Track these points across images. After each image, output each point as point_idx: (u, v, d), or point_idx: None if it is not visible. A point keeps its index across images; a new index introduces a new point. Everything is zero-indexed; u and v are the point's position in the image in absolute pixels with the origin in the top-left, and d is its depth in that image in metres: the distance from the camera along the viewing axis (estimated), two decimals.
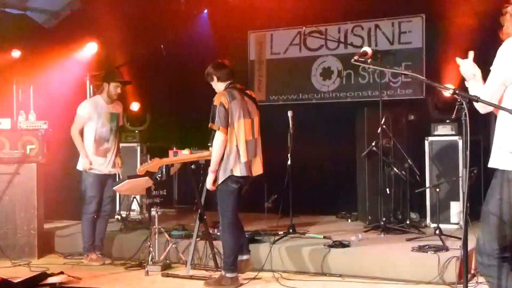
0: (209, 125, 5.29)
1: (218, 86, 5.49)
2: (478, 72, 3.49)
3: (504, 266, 3.37)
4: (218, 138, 5.23)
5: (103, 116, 6.53)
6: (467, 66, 3.51)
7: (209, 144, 5.61)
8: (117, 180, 6.75)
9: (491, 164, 3.50)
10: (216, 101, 5.29)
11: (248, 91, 5.60)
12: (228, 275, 5.34)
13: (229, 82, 5.46)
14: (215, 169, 5.28)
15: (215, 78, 5.47)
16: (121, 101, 7.03)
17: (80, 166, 6.54)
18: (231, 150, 5.26)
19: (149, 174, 6.21)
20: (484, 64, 3.58)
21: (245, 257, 5.58)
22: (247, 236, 5.94)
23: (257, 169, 5.44)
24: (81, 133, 6.54)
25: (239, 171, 5.26)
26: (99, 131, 6.51)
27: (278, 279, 5.65)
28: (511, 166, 3.37)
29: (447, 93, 3.63)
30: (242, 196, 5.49)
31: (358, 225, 7.53)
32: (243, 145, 5.30)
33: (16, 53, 8.12)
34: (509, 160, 3.39)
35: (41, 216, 7.01)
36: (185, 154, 5.98)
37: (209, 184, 5.33)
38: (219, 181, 5.28)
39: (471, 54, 3.56)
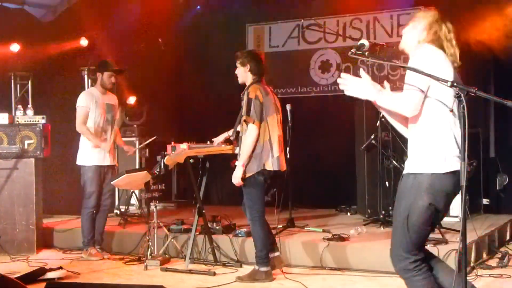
0: (244, 118, 5.18)
1: (247, 75, 5.39)
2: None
3: (424, 266, 3.30)
4: (252, 131, 5.15)
5: (99, 107, 6.51)
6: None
7: (231, 137, 5.55)
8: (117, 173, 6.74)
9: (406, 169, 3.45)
10: (252, 93, 5.20)
11: (270, 88, 5.53)
12: (262, 269, 5.28)
13: (256, 76, 5.38)
14: (246, 163, 5.18)
15: (248, 67, 5.37)
16: (118, 94, 7.00)
17: (80, 161, 6.51)
18: (265, 145, 5.20)
19: (148, 168, 6.20)
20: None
21: (276, 254, 5.52)
22: (246, 230, 5.94)
23: (284, 164, 5.39)
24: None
25: (271, 165, 5.21)
26: (97, 122, 6.48)
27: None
28: (419, 170, 3.33)
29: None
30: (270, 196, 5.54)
31: (357, 219, 7.53)
32: (277, 140, 5.27)
33: (14, 47, 8.08)
34: (418, 164, 3.33)
35: (39, 211, 6.98)
36: (184, 149, 5.92)
37: (237, 178, 5.19)
38: (250, 174, 5.19)
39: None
